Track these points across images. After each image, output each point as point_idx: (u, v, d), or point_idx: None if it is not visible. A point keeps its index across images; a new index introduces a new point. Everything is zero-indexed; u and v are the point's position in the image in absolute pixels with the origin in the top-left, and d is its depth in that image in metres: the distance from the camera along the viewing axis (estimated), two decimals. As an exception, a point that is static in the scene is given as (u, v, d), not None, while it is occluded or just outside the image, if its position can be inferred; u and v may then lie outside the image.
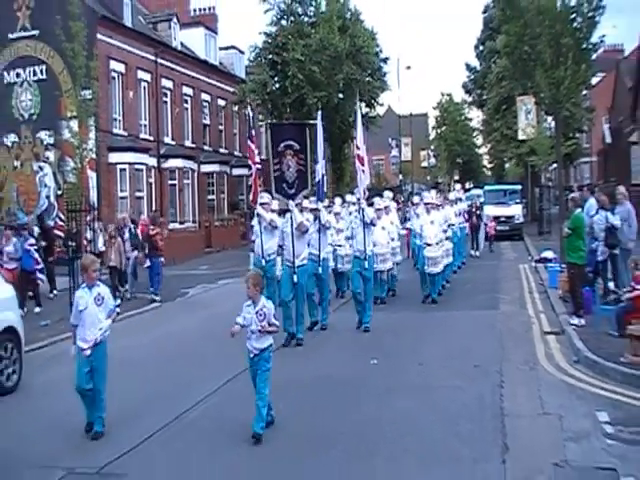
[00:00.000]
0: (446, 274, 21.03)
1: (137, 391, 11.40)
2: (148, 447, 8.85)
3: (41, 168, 33.68)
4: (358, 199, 16.37)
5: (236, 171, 44.85)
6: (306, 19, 41.42)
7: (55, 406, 10.45)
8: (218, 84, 44.46)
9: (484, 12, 55.55)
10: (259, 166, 16.31)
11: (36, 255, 20.10)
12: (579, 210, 15.49)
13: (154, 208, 35.27)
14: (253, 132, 17.07)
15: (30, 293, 19.80)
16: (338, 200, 21.83)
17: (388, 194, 23.38)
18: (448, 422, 9.30)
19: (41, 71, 33.38)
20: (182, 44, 41.59)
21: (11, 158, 34.32)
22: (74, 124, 23.10)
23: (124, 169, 33.90)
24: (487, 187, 46.63)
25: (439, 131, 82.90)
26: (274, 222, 15.51)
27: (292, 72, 38.17)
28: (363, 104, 44.85)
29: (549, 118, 35.39)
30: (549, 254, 24.09)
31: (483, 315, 17.22)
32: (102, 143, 30.74)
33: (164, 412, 10.00)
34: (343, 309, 18.17)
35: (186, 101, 41.39)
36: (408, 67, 70.46)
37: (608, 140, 53.12)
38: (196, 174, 40.86)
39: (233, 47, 48.79)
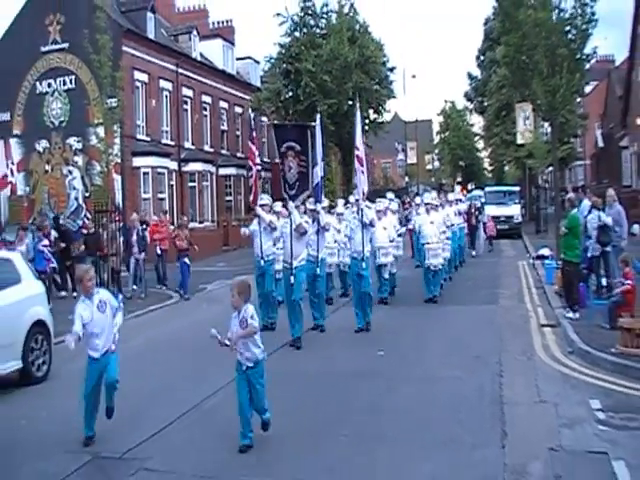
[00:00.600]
0: (446, 271, 20.47)
1: (158, 380, 11.46)
2: (169, 433, 8.87)
3: (70, 172, 33.83)
4: (357, 200, 15.79)
5: (252, 174, 44.55)
6: (318, 31, 41.39)
7: (81, 395, 10.47)
8: (235, 92, 44.42)
9: (485, 24, 55.44)
10: (259, 167, 16.03)
11: (50, 256, 19.97)
12: (575, 210, 15.46)
13: (175, 210, 35.47)
14: (254, 133, 16.36)
15: None
16: (341, 201, 21.31)
17: (390, 195, 23.00)
18: (449, 410, 9.31)
19: (70, 81, 33.49)
20: (201, 55, 41.61)
21: (42, 163, 34.50)
22: (100, 130, 23.23)
23: (147, 172, 33.95)
24: (488, 188, 46.59)
25: (443, 136, 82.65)
26: (273, 223, 15.02)
27: (304, 81, 38.18)
28: (371, 110, 44.91)
29: (546, 124, 35.25)
30: (546, 251, 24.01)
31: (483, 309, 17.20)
32: (127, 148, 30.79)
33: (184, 400, 10.03)
34: (349, 306, 17.37)
35: (205, 108, 41.37)
36: (413, 76, 70.68)
37: (600, 144, 53.03)
38: (214, 177, 40.85)
39: (249, 57, 48.67)
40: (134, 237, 21.46)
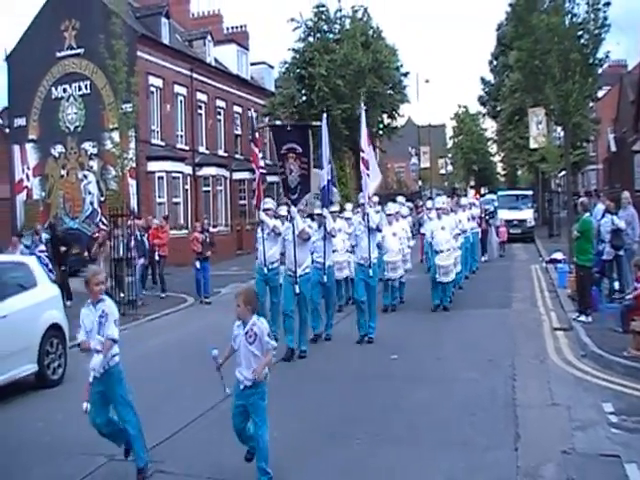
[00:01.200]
0: (457, 281, 19.57)
1: (175, 381, 11.52)
2: (185, 435, 8.91)
3: (85, 176, 34.01)
4: (362, 204, 14.93)
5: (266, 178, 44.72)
6: (331, 36, 41.56)
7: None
8: (249, 97, 44.49)
9: (497, 29, 55.26)
10: (263, 170, 15.69)
11: (46, 261, 19.54)
12: (587, 214, 15.44)
13: (190, 214, 35.68)
14: (257, 135, 15.36)
15: None
16: (349, 205, 20.63)
17: (401, 199, 22.39)
18: (463, 412, 9.32)
19: (85, 86, 33.68)
20: (216, 60, 41.75)
21: (58, 167, 34.70)
22: (116, 135, 23.29)
23: (162, 177, 34.10)
24: (501, 192, 46.52)
25: (456, 140, 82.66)
26: (277, 229, 13.91)
27: (318, 85, 38.28)
28: (385, 115, 44.98)
29: (558, 128, 35.04)
30: (559, 255, 23.91)
31: (496, 313, 17.17)
32: (141, 153, 30.99)
33: (200, 402, 10.04)
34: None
35: (219, 113, 41.50)
36: (427, 81, 71.04)
37: (613, 149, 52.84)
38: (228, 181, 41.00)
39: (263, 62, 48.85)
40: (132, 243, 21.05)
